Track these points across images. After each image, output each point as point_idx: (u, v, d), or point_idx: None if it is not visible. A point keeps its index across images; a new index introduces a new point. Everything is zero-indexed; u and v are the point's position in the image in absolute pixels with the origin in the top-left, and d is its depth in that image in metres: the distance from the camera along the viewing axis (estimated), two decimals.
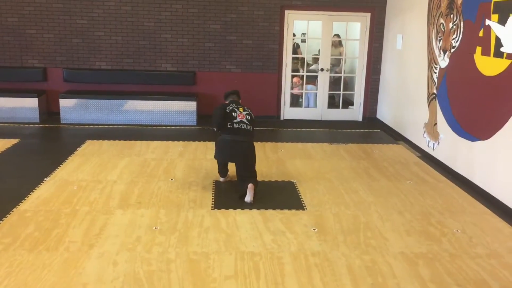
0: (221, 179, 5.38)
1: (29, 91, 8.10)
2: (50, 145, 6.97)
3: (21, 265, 3.47)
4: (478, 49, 5.29)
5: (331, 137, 7.60)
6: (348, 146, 7.07)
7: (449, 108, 5.97)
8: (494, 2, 4.97)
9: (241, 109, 5.05)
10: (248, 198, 4.73)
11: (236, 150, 4.95)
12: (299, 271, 3.50)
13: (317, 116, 8.91)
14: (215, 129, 5.10)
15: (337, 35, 9.22)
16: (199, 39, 8.36)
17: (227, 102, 5.24)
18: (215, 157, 5.22)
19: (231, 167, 5.33)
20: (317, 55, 9.17)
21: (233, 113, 4.99)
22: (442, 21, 6.19)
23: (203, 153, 6.43)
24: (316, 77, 8.88)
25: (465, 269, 3.61)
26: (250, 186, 4.77)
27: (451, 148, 5.90)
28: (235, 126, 4.95)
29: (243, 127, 4.97)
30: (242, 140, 4.96)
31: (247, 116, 5.04)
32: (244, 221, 4.34)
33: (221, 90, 8.28)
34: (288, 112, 8.88)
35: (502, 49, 4.82)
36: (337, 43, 9.24)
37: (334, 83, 9.28)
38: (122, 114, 8.07)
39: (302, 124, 8.51)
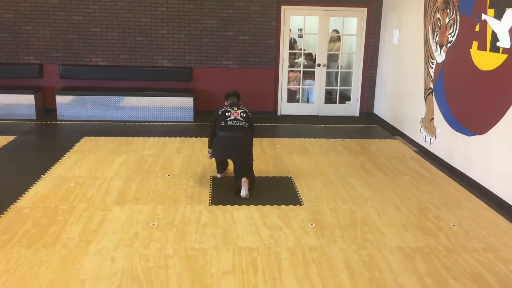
0: (218, 175, 5.38)
1: (25, 87, 8.07)
2: (47, 142, 6.95)
3: (19, 262, 3.47)
4: (475, 44, 5.30)
5: (328, 133, 7.60)
6: (345, 141, 7.08)
7: (446, 103, 5.97)
8: None
9: (235, 108, 5.06)
10: (243, 192, 4.74)
11: (231, 146, 4.95)
12: (297, 266, 3.51)
13: (314, 112, 8.91)
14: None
15: (336, 31, 9.21)
16: (195, 35, 8.35)
17: (226, 103, 5.25)
18: (213, 155, 5.22)
19: (231, 165, 5.34)
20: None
21: (227, 113, 5.01)
22: (438, 16, 6.19)
23: (200, 149, 6.42)
24: (313, 72, 8.88)
25: (462, 263, 3.63)
26: (244, 180, 4.78)
27: (448, 143, 5.92)
28: (229, 124, 4.96)
29: (238, 124, 4.97)
30: (238, 136, 4.96)
31: (241, 114, 5.03)
32: (241, 216, 4.34)
33: (218, 85, 8.33)
34: (285, 108, 8.88)
35: (498, 44, 4.83)
36: (336, 39, 9.23)
37: (331, 78, 9.28)
38: (119, 111, 8.06)
39: (299, 119, 8.51)
